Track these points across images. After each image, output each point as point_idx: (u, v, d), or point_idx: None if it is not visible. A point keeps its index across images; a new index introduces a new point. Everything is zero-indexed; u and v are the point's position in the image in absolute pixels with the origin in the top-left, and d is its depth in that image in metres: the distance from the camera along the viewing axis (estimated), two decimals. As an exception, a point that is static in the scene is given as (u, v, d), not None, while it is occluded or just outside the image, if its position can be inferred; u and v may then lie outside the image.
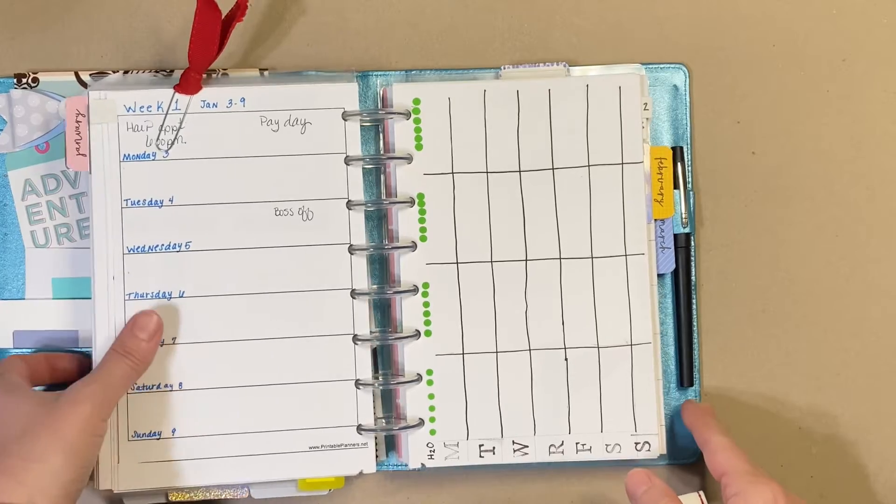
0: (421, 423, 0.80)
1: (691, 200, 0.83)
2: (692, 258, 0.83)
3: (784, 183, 0.85)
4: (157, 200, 0.78)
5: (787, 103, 0.85)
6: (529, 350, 0.80)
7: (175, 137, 0.78)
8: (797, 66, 0.85)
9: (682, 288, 0.83)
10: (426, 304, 0.80)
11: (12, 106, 0.81)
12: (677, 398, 0.83)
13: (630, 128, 0.80)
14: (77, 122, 0.78)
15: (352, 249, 0.79)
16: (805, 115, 0.85)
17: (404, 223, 0.80)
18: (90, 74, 0.81)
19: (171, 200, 0.78)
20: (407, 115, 0.80)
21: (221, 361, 0.78)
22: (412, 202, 0.80)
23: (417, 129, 0.80)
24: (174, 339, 0.78)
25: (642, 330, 0.80)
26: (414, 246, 0.80)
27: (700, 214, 0.84)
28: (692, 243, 0.83)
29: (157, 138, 0.78)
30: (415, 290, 0.80)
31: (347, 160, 0.80)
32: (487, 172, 0.80)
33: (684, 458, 0.83)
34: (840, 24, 0.85)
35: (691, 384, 0.83)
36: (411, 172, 0.80)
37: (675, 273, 0.83)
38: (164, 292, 0.78)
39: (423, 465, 0.80)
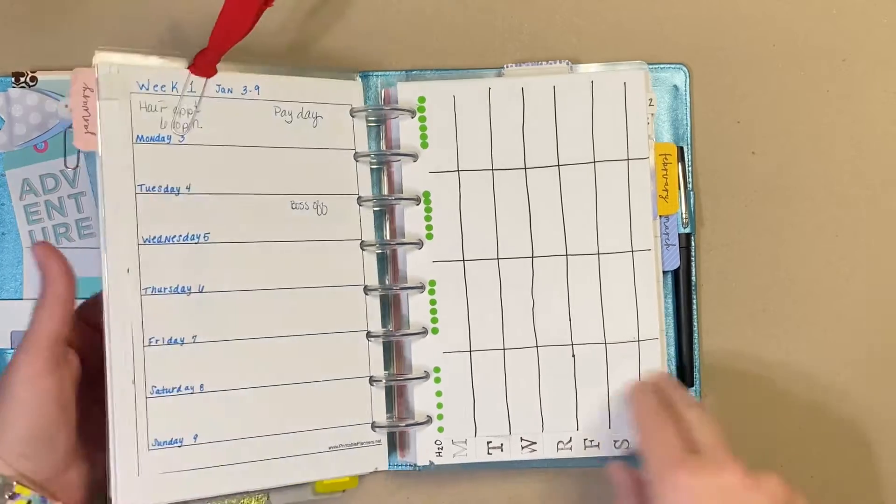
0: (429, 420, 0.79)
1: (691, 200, 0.83)
2: (692, 258, 0.83)
3: (784, 183, 0.85)
4: (173, 187, 0.74)
5: (787, 103, 0.85)
6: (537, 347, 0.80)
7: (192, 121, 0.75)
8: (797, 66, 0.86)
9: (682, 288, 0.83)
10: (433, 302, 0.79)
11: (10, 105, 0.80)
12: (678, 398, 0.83)
13: (635, 124, 0.80)
14: (85, 96, 0.72)
15: (363, 246, 0.79)
16: (805, 115, 0.85)
17: (410, 221, 0.80)
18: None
19: (188, 188, 0.74)
20: (412, 112, 0.80)
21: (242, 361, 0.75)
22: (418, 200, 0.80)
23: (423, 127, 0.80)
24: (195, 337, 0.74)
25: (649, 326, 0.80)
26: (420, 243, 0.79)
27: (700, 214, 0.84)
28: (692, 243, 0.83)
29: (173, 120, 0.74)
30: (421, 287, 0.79)
31: (357, 156, 0.79)
32: (493, 170, 0.80)
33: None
34: (840, 24, 0.86)
35: (692, 384, 0.83)
36: (417, 170, 0.80)
37: (676, 273, 0.83)
38: (184, 287, 0.74)
39: (431, 462, 0.79)
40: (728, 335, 0.85)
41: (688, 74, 0.85)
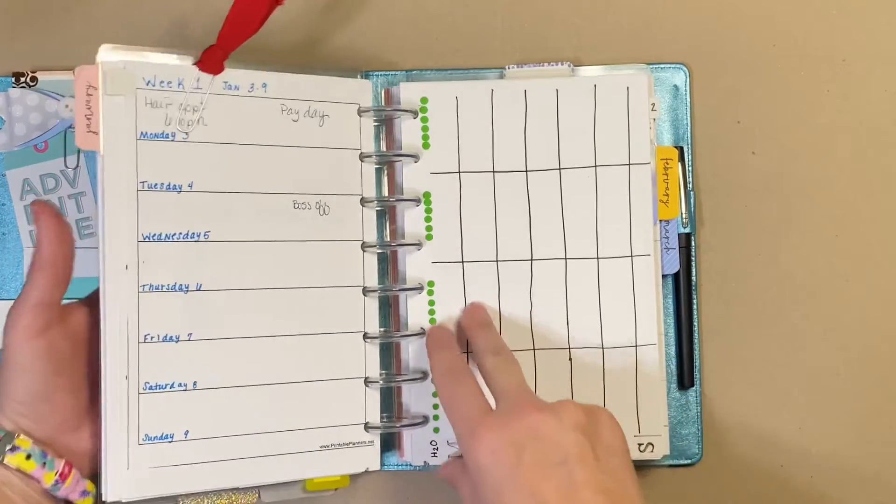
0: (425, 420, 0.79)
1: (691, 200, 0.83)
2: (692, 258, 0.83)
3: (784, 183, 0.85)
4: (175, 185, 0.73)
5: (787, 103, 0.85)
6: (534, 349, 0.79)
7: (197, 118, 0.74)
8: (797, 66, 0.86)
9: (682, 288, 0.83)
10: (431, 303, 0.79)
11: (10, 105, 0.80)
12: (678, 399, 0.83)
13: (637, 128, 0.80)
14: (88, 94, 0.71)
15: (364, 247, 0.79)
16: (805, 115, 0.85)
17: (410, 221, 0.80)
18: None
19: (190, 186, 0.74)
20: (414, 113, 0.80)
21: (236, 359, 0.75)
22: (418, 200, 0.79)
23: (425, 128, 0.80)
24: (190, 335, 0.74)
25: (647, 331, 0.80)
26: (420, 244, 0.79)
27: (700, 214, 0.84)
28: (692, 243, 0.83)
29: (179, 117, 0.74)
30: (420, 288, 0.79)
31: (362, 157, 0.79)
32: (494, 172, 0.80)
33: (685, 458, 0.83)
34: (840, 24, 0.86)
35: (692, 385, 0.83)
36: (418, 171, 0.80)
37: (676, 273, 0.83)
38: (182, 285, 0.73)
39: (426, 462, 0.79)
40: (728, 335, 0.85)
41: (688, 74, 0.84)
